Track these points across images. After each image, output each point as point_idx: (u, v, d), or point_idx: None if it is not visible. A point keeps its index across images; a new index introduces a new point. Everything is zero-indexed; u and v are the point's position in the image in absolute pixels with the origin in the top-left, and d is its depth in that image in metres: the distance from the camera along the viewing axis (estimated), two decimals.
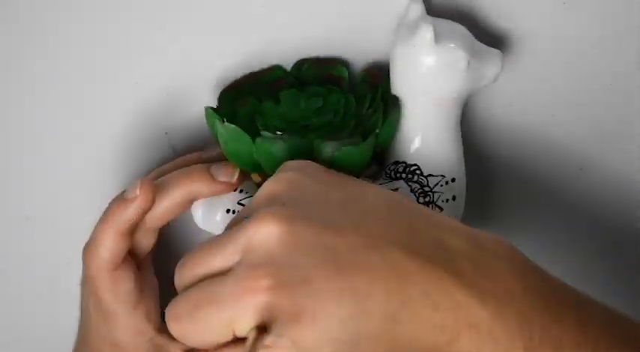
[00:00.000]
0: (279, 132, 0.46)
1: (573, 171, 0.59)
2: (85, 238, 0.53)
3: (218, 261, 0.39)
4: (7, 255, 0.54)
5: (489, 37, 0.52)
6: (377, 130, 0.46)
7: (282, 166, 0.42)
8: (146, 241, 0.47)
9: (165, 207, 0.46)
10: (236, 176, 0.47)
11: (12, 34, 0.48)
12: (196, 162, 0.48)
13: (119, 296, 0.47)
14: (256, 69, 0.51)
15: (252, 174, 0.48)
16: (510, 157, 0.57)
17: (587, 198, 0.60)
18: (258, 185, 0.48)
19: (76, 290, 0.53)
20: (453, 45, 0.45)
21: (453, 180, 0.48)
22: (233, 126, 0.45)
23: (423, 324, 0.37)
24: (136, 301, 0.47)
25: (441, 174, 0.47)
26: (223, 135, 0.45)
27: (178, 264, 0.41)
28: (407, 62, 0.46)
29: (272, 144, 0.44)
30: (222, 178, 0.46)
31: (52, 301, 0.55)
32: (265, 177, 0.47)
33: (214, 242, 0.40)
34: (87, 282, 0.48)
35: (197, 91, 0.51)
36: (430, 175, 0.47)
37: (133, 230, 0.46)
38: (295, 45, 0.50)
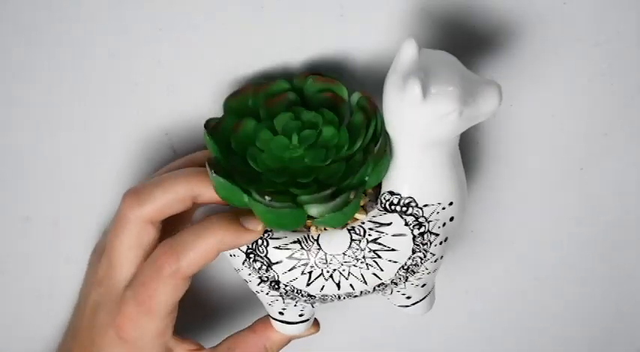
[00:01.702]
0: (267, 198, 0.44)
1: (573, 171, 0.59)
2: (85, 238, 0.54)
3: None
4: (7, 255, 0.54)
5: (489, 37, 0.52)
6: (366, 178, 0.45)
7: None
8: (148, 236, 0.47)
9: (167, 200, 0.46)
10: None
11: (11, 34, 0.48)
12: (203, 161, 0.48)
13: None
14: (256, 68, 0.51)
15: None
16: (510, 157, 0.57)
17: (587, 198, 0.60)
18: None
19: (75, 290, 0.53)
20: (443, 98, 0.42)
21: (451, 203, 0.47)
22: (222, 180, 0.44)
23: None
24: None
25: (438, 202, 0.46)
26: (213, 183, 0.45)
27: None
28: (396, 109, 0.44)
29: (265, 211, 0.44)
30: None
31: (52, 301, 0.55)
32: None
33: None
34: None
35: (197, 92, 0.51)
36: (426, 205, 0.46)
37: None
38: (296, 44, 0.50)
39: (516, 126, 0.56)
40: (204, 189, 0.46)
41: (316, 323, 0.53)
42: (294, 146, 0.46)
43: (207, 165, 0.45)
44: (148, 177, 0.51)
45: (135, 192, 0.46)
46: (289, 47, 0.50)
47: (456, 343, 0.66)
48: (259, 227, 0.46)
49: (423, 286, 0.50)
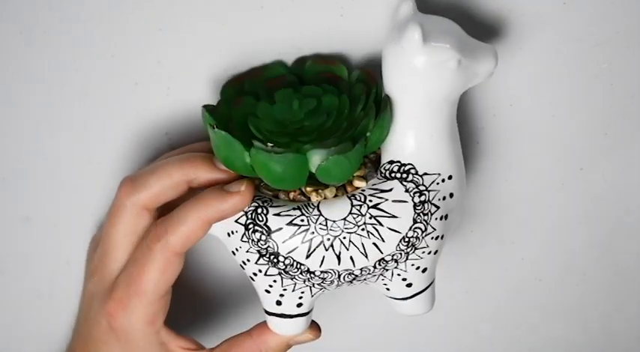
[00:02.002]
0: (270, 144, 0.45)
1: (573, 171, 0.59)
2: (85, 238, 0.54)
3: None
4: (7, 255, 0.54)
5: (489, 38, 0.52)
6: (368, 134, 0.46)
7: None
8: (143, 222, 0.47)
9: (162, 186, 0.46)
10: None
11: (11, 34, 0.48)
12: (199, 150, 0.49)
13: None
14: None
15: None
16: (510, 157, 0.57)
17: (587, 198, 0.60)
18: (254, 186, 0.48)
19: (75, 290, 0.53)
20: (441, 44, 0.45)
21: (450, 177, 0.48)
22: (224, 132, 0.45)
23: None
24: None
25: (437, 172, 0.47)
26: (214, 141, 0.46)
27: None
28: (396, 62, 0.46)
29: (268, 158, 0.45)
30: (223, 166, 0.47)
31: (52, 301, 0.55)
32: (259, 181, 0.47)
33: None
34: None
35: (197, 91, 0.51)
36: (425, 174, 0.47)
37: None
38: (296, 44, 0.50)
39: (516, 125, 0.56)
40: (199, 172, 0.47)
41: (317, 328, 0.52)
42: (295, 111, 0.47)
43: (207, 126, 0.46)
44: (144, 166, 0.51)
45: (131, 180, 0.47)
46: (289, 47, 0.51)
47: (456, 343, 0.66)
48: (242, 187, 0.46)
49: (424, 271, 0.50)
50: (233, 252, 0.48)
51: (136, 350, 0.48)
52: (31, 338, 0.57)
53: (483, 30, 0.52)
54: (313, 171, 0.46)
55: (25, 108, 0.50)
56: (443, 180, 0.48)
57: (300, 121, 0.47)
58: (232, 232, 0.47)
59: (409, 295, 0.50)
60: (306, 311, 0.50)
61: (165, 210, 0.48)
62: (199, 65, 0.50)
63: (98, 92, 0.50)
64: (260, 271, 0.48)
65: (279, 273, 0.47)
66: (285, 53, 0.50)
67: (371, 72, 0.49)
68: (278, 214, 0.46)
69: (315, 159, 0.45)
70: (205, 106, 0.47)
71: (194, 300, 0.58)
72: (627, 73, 0.55)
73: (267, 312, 0.50)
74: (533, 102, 0.55)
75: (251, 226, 0.46)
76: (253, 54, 0.50)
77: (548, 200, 0.60)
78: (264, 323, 0.51)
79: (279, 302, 0.49)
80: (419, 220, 0.47)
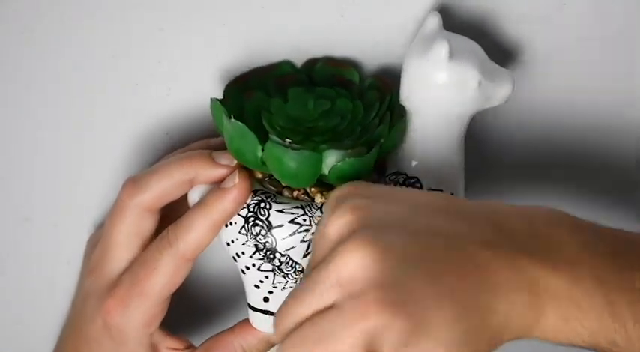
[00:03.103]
0: (287, 140, 0.46)
1: (574, 170, 0.59)
2: (85, 239, 0.54)
3: (315, 302, 0.39)
4: (7, 255, 0.54)
5: (488, 38, 0.52)
6: (382, 140, 0.46)
7: (332, 200, 0.42)
8: (146, 224, 0.48)
9: (164, 186, 0.47)
10: (236, 161, 0.47)
11: (12, 34, 0.48)
12: (202, 149, 0.49)
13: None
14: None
15: (255, 170, 0.48)
16: (511, 157, 0.57)
17: (588, 197, 0.60)
18: (259, 181, 0.48)
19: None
20: (466, 63, 0.46)
21: (452, 195, 0.48)
22: (240, 123, 0.45)
23: (513, 308, 0.39)
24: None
25: (440, 189, 0.48)
26: (229, 131, 0.46)
27: (275, 316, 0.41)
28: (419, 75, 0.46)
29: (283, 153, 0.45)
30: (223, 161, 0.47)
31: (52, 301, 0.55)
32: (266, 174, 0.47)
33: (305, 287, 0.40)
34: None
35: (198, 91, 0.51)
36: (430, 189, 0.47)
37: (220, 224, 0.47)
38: (297, 46, 0.50)
39: (517, 127, 0.56)
40: (198, 170, 0.47)
41: None
42: (310, 110, 0.47)
43: (222, 117, 0.46)
44: (145, 166, 0.51)
45: (133, 181, 0.47)
46: (289, 47, 0.51)
47: None
48: (236, 179, 0.46)
49: None
50: (228, 244, 0.48)
51: (125, 350, 0.48)
52: (31, 338, 0.57)
53: (482, 31, 0.52)
54: (325, 172, 0.46)
55: (25, 108, 0.50)
56: None
57: (314, 121, 0.47)
58: (231, 223, 0.47)
59: None
60: None
61: (169, 209, 0.48)
62: (200, 65, 0.50)
63: (98, 92, 0.50)
64: (253, 265, 0.48)
65: (273, 270, 0.47)
66: (285, 53, 0.50)
67: (385, 80, 0.49)
68: (281, 211, 0.46)
69: (331, 159, 0.45)
70: (215, 98, 0.47)
71: (191, 299, 0.58)
72: (627, 73, 0.55)
73: (251, 307, 0.50)
74: (532, 103, 0.55)
75: (252, 219, 0.47)
76: (254, 53, 0.50)
77: (549, 200, 0.60)
78: (247, 320, 0.51)
79: (266, 299, 0.49)
80: None
